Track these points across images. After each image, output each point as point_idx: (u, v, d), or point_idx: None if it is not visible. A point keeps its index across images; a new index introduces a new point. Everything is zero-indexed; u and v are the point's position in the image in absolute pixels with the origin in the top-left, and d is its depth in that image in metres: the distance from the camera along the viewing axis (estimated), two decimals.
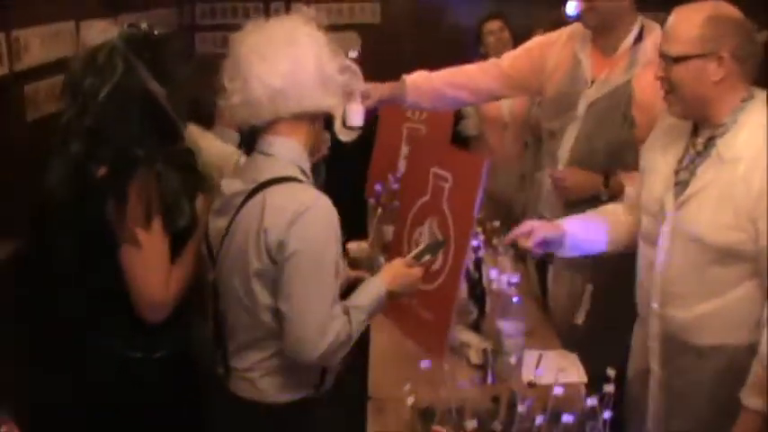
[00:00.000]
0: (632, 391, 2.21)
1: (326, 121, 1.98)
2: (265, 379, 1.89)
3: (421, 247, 2.06)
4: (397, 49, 4.99)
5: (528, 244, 2.15)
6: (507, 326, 2.19)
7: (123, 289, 1.97)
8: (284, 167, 1.85)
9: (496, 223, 2.88)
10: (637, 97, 2.47)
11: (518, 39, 3.28)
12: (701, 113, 1.97)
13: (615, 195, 2.44)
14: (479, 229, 2.46)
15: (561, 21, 3.18)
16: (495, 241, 2.38)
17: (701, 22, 1.89)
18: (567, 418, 1.73)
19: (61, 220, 2.06)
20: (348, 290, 2.00)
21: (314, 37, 1.84)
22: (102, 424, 2.07)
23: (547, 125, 2.75)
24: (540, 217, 2.59)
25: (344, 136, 1.90)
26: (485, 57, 3.71)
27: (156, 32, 2.14)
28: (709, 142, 1.96)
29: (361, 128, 1.93)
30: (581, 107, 2.57)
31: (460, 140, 3.99)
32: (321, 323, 1.76)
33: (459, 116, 3.92)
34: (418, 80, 2.75)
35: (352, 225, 3.09)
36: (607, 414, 1.75)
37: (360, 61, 2.02)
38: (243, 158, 2.50)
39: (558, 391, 1.78)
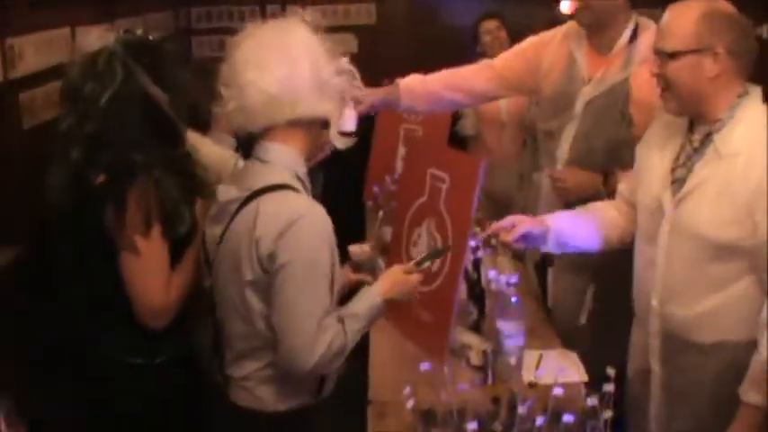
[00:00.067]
0: (633, 391, 2.20)
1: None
2: (262, 388, 1.88)
3: (423, 254, 2.06)
4: (394, 50, 4.99)
5: (508, 238, 2.14)
6: (506, 326, 2.19)
7: (123, 295, 1.97)
8: (279, 174, 1.83)
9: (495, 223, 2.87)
10: (634, 95, 2.46)
11: (515, 38, 3.28)
12: (696, 110, 1.97)
13: (615, 194, 2.43)
14: (477, 230, 2.45)
15: (556, 20, 3.18)
16: (493, 242, 2.38)
17: (696, 18, 1.90)
18: (567, 418, 1.73)
19: (61, 228, 2.06)
20: (350, 293, 1.99)
21: (309, 41, 1.83)
22: (104, 431, 2.07)
23: (544, 125, 2.74)
24: None
25: (339, 143, 1.88)
26: (482, 56, 3.71)
27: (150, 38, 2.15)
28: (706, 138, 1.96)
29: (355, 134, 1.91)
30: (578, 106, 2.56)
31: (458, 140, 3.99)
32: (313, 334, 1.75)
33: (456, 116, 3.92)
34: (412, 84, 2.74)
35: (351, 228, 3.09)
36: (607, 413, 1.75)
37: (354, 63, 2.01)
38: (241, 162, 2.50)
39: (558, 391, 1.78)
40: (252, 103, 1.79)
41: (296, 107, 1.80)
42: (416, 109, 2.86)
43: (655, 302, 2.07)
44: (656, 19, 2.06)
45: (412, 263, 2.03)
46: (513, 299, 2.21)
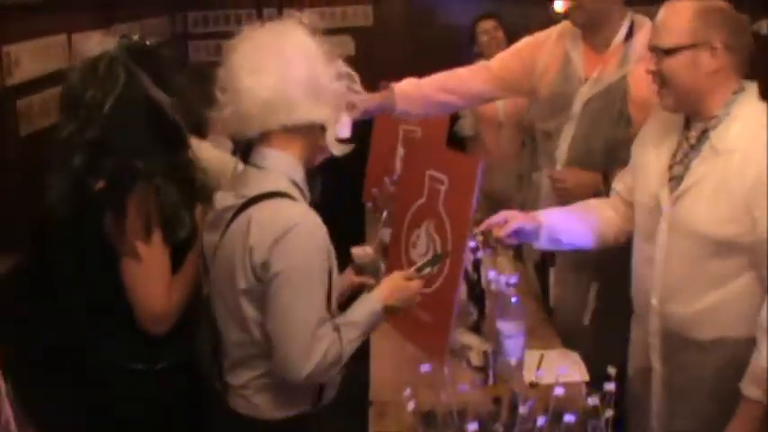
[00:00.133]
0: (633, 389, 2.20)
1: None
2: (260, 396, 1.87)
3: (423, 259, 2.05)
4: (391, 52, 4.99)
5: (500, 233, 2.13)
6: (507, 327, 2.18)
7: (124, 301, 1.97)
8: (275, 182, 1.80)
9: None
10: (632, 93, 2.45)
11: (512, 38, 3.28)
12: (693, 106, 1.97)
13: None
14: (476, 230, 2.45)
15: (550, 20, 3.18)
16: (491, 242, 2.37)
17: (692, 14, 1.90)
18: (568, 418, 1.72)
19: (60, 235, 2.05)
20: (351, 297, 1.99)
21: (307, 45, 1.80)
22: None
23: (542, 126, 2.73)
24: None
25: (336, 150, 1.86)
26: (479, 56, 3.72)
27: (147, 42, 2.15)
28: (703, 135, 1.97)
29: (350, 140, 1.90)
30: (576, 106, 2.55)
31: (457, 141, 3.99)
32: (307, 344, 1.73)
33: (455, 117, 3.91)
34: (407, 88, 2.71)
35: (350, 230, 3.09)
36: (609, 413, 1.74)
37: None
38: (240, 166, 2.49)
39: (559, 391, 1.78)
40: (247, 108, 1.77)
41: (291, 113, 1.77)
42: (412, 113, 2.81)
43: (654, 301, 2.06)
44: (652, 16, 2.06)
45: (412, 269, 2.01)
46: (513, 299, 2.21)
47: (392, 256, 2.26)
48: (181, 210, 1.99)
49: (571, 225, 2.23)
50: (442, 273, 2.05)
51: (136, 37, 2.12)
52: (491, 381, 2.18)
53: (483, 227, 2.17)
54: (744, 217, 1.87)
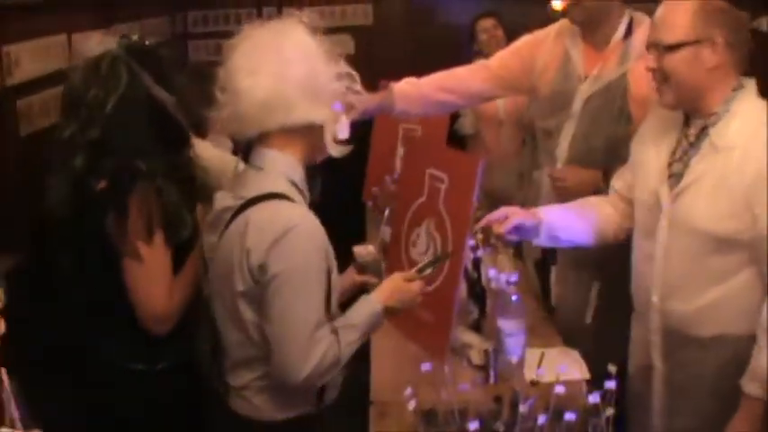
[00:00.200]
0: (634, 387, 2.20)
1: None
2: (260, 397, 1.85)
3: (424, 260, 2.05)
4: (391, 50, 4.98)
5: (501, 230, 2.13)
6: (507, 325, 2.18)
7: (125, 301, 1.97)
8: (274, 183, 1.79)
9: None
10: (632, 91, 2.45)
11: (512, 36, 3.28)
12: (693, 103, 1.97)
13: None
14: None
15: (549, 18, 3.18)
16: (492, 240, 2.37)
17: (692, 10, 1.90)
18: (569, 417, 1.72)
19: (61, 235, 2.05)
20: (353, 296, 1.98)
21: (306, 44, 1.78)
22: None
23: (542, 124, 2.73)
24: None
25: (335, 151, 1.85)
26: (479, 55, 3.72)
27: (147, 42, 2.15)
28: (702, 132, 1.97)
29: (348, 141, 1.89)
30: (576, 104, 2.54)
31: (457, 139, 3.99)
32: (304, 347, 1.71)
33: (455, 115, 3.91)
34: (406, 88, 2.70)
35: (351, 229, 3.09)
36: (609, 411, 1.74)
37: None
38: (241, 166, 2.49)
39: (559, 389, 1.78)
40: (245, 109, 1.75)
41: (290, 113, 1.75)
42: (411, 113, 2.81)
43: (655, 298, 2.06)
44: (650, 14, 2.06)
45: (413, 270, 2.01)
46: (514, 297, 2.21)
47: (392, 255, 2.26)
48: (182, 210, 1.99)
49: (570, 222, 2.23)
50: (442, 271, 2.05)
51: (135, 37, 2.12)
52: (492, 379, 2.19)
53: (483, 223, 2.17)
54: (744, 213, 1.87)
